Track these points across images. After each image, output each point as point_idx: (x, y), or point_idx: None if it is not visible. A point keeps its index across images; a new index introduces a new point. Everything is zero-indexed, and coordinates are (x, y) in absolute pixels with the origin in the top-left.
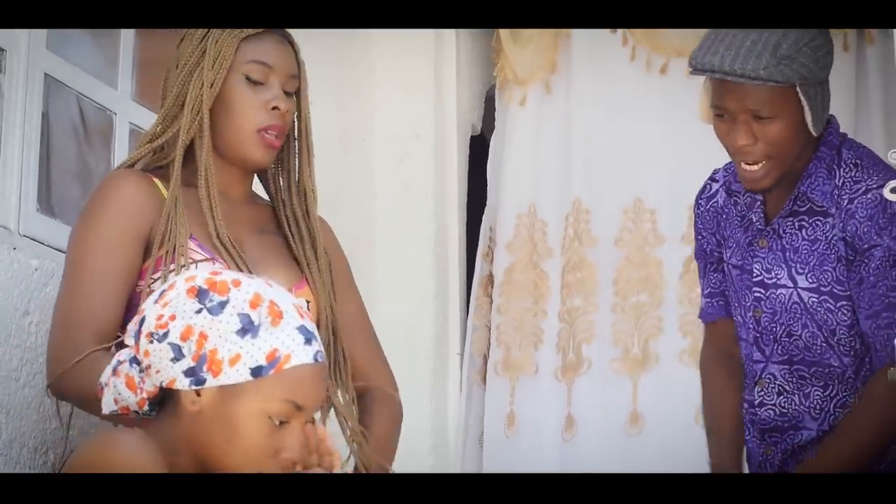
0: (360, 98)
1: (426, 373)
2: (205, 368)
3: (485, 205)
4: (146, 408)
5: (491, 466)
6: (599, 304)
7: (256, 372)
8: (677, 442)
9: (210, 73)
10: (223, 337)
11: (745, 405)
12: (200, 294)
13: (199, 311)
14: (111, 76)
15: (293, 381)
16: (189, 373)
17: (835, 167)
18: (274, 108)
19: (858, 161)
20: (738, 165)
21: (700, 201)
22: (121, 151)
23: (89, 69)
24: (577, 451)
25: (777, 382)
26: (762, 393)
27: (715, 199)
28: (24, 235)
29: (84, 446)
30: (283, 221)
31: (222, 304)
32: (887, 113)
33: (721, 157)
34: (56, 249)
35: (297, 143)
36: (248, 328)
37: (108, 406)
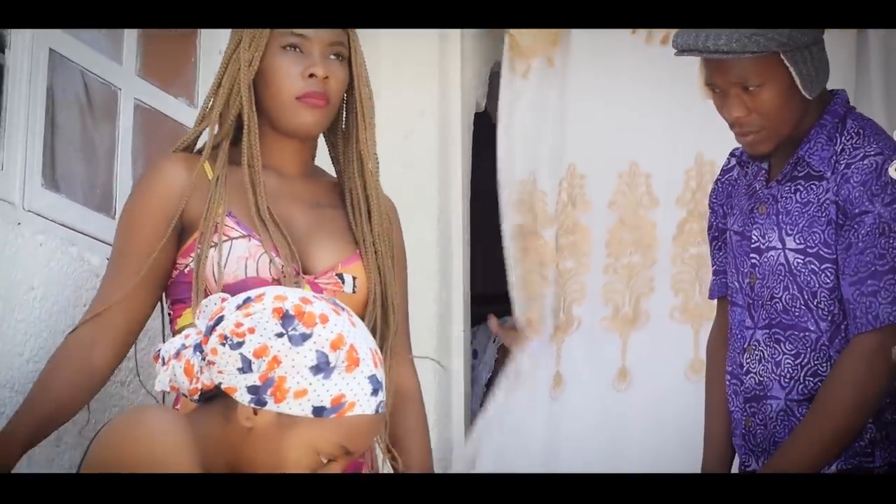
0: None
1: (429, 350)
2: (269, 392)
3: (489, 181)
4: (196, 397)
5: (479, 427)
6: (591, 266)
7: (318, 412)
8: (665, 396)
9: (247, 53)
10: (296, 368)
11: (730, 375)
12: (286, 319)
13: (279, 336)
14: (116, 51)
15: (351, 429)
16: (252, 390)
17: (836, 135)
18: (311, 75)
19: (861, 130)
20: (737, 136)
21: (718, 176)
22: (125, 127)
23: (94, 44)
24: (565, 407)
25: (760, 349)
26: (749, 359)
27: (731, 173)
28: (29, 210)
29: (119, 419)
30: (345, 194)
31: (304, 337)
32: (888, 94)
33: (716, 124)
34: (61, 225)
35: (354, 112)
36: (322, 367)
37: (161, 384)
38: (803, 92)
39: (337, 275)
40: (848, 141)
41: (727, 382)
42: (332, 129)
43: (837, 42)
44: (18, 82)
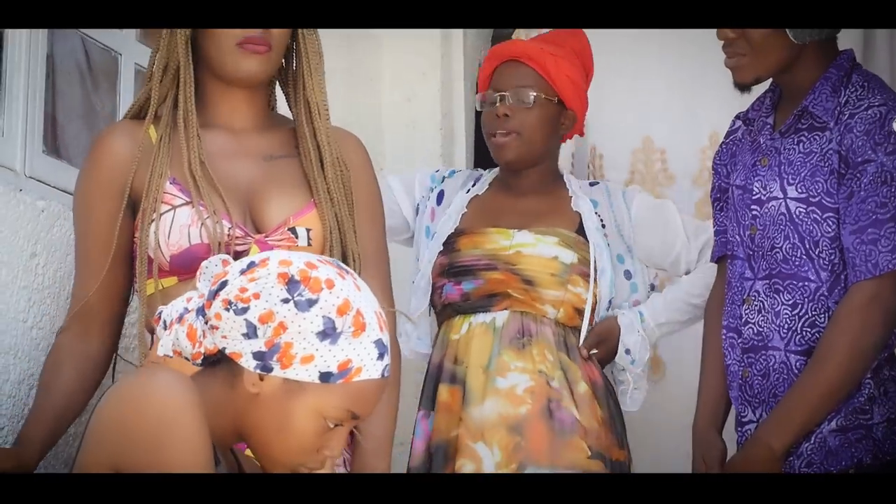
0: (368, 36)
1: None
2: (275, 358)
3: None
4: (199, 361)
5: None
6: None
7: (325, 377)
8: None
9: None
10: (302, 334)
11: (727, 328)
12: (291, 284)
13: (285, 301)
14: None
15: (357, 394)
16: (258, 356)
17: (841, 87)
18: None
19: (866, 83)
20: (726, 59)
21: (724, 139)
22: (126, 92)
23: None
24: None
25: (759, 299)
26: (748, 311)
27: (735, 134)
28: (30, 177)
29: (128, 380)
30: (298, 142)
31: (310, 302)
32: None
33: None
34: (62, 191)
35: (300, 58)
36: (329, 333)
37: (164, 349)
38: (788, 33)
39: (289, 229)
40: (853, 93)
41: (724, 337)
42: (284, 77)
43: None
44: (18, 48)
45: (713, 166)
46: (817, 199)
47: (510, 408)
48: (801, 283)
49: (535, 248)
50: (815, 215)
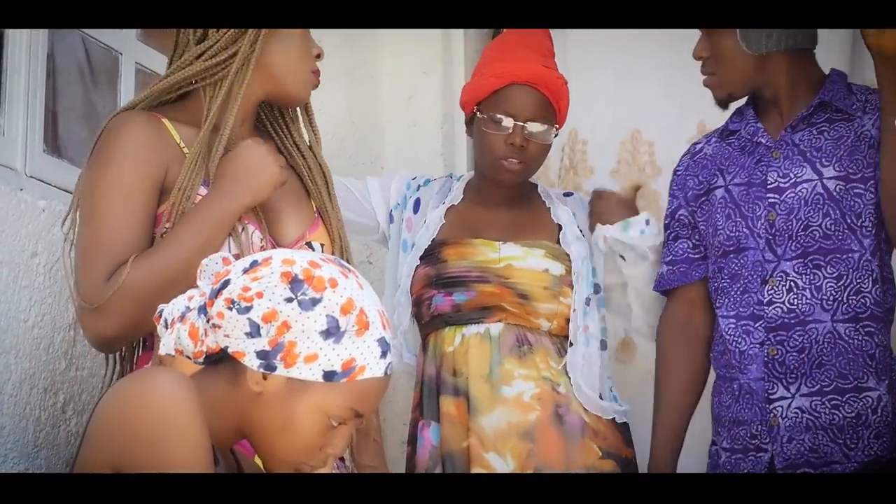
0: (369, 35)
1: None
2: (279, 357)
3: None
4: (201, 360)
5: None
6: None
7: (329, 376)
8: None
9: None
10: (306, 333)
11: (735, 318)
12: (294, 283)
13: (289, 301)
14: None
15: (361, 392)
16: (262, 355)
17: (850, 93)
18: (317, 55)
19: (874, 90)
20: (703, 78)
21: (684, 159)
22: (126, 92)
23: None
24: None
25: (789, 279)
26: (772, 291)
27: (701, 153)
28: (31, 176)
29: (128, 380)
30: (297, 163)
31: (314, 302)
32: None
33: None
34: (63, 190)
35: None
36: (332, 332)
37: (166, 348)
38: (741, 44)
39: (307, 244)
40: (866, 93)
41: (731, 327)
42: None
43: (832, 42)
44: (18, 48)
45: (671, 191)
46: (858, 174)
47: (519, 415)
48: (844, 256)
49: (525, 261)
50: (857, 189)
